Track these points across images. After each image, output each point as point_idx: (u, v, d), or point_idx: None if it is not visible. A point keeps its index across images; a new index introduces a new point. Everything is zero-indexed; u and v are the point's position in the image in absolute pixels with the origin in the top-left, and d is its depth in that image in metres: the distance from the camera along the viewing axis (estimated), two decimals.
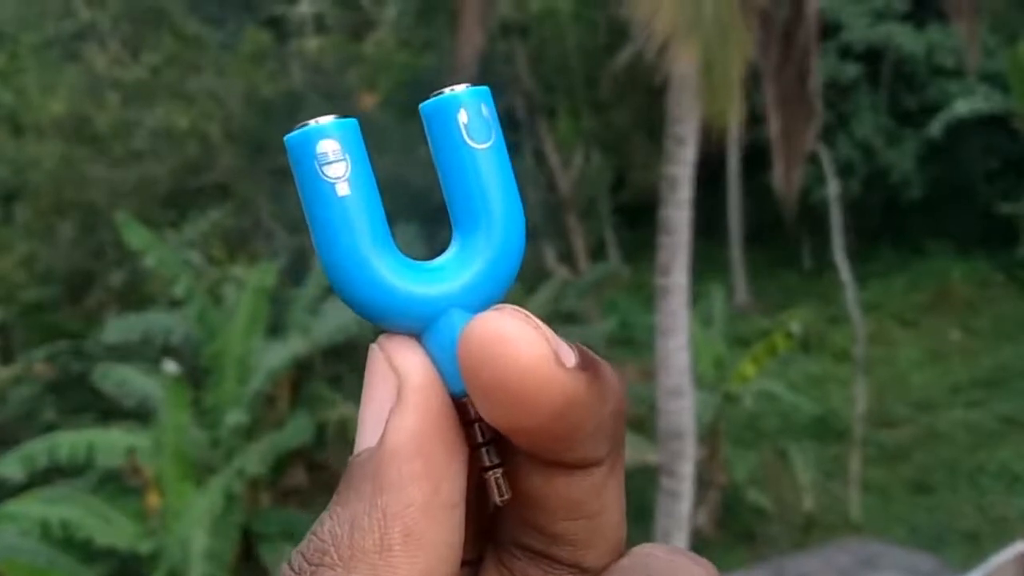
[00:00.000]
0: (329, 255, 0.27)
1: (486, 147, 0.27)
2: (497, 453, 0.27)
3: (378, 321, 0.27)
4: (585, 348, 0.26)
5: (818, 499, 9.46)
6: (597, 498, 0.27)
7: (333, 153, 0.26)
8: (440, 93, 0.27)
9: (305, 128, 0.27)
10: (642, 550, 0.28)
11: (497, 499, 0.27)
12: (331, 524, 0.26)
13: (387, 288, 0.27)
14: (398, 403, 0.26)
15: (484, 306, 0.27)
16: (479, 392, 0.25)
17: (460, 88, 0.27)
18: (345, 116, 0.27)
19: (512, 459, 0.27)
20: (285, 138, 0.27)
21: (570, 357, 0.25)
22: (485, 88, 0.28)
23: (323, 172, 0.26)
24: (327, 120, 0.27)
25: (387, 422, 0.26)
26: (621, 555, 0.28)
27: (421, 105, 0.28)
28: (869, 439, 10.16)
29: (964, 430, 10.57)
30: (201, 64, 11.09)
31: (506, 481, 0.27)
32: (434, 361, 0.27)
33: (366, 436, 0.26)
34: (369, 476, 0.25)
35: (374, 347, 0.28)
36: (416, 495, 0.25)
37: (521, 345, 0.24)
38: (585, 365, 0.25)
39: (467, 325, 0.25)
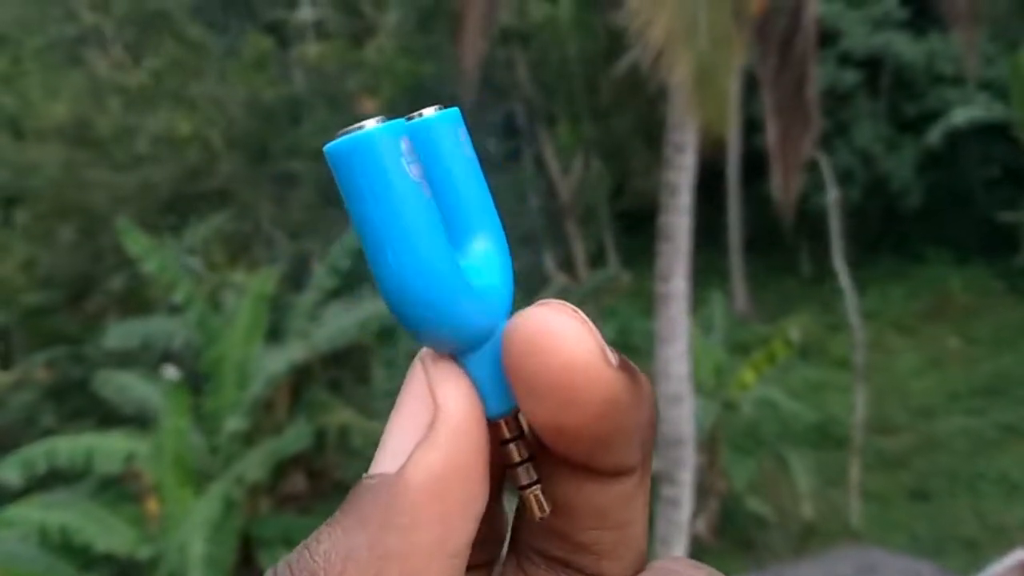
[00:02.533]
0: (410, 261, 0.25)
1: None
2: (536, 469, 0.27)
3: (442, 332, 0.26)
4: (621, 352, 0.25)
5: (817, 506, 9.46)
6: (625, 508, 0.27)
7: (410, 153, 0.25)
8: (414, 117, 0.27)
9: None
10: (664, 564, 0.28)
11: (537, 516, 0.27)
12: (327, 546, 0.24)
13: (468, 297, 0.26)
14: (429, 436, 0.25)
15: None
16: (525, 386, 0.24)
17: (434, 111, 0.28)
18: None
19: (542, 467, 0.27)
20: (369, 132, 0.25)
21: (614, 357, 0.25)
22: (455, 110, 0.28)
23: (410, 171, 0.25)
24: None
25: (412, 454, 0.24)
26: (642, 568, 0.28)
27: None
28: (868, 446, 10.16)
29: (963, 438, 10.57)
30: (203, 69, 11.10)
31: (546, 497, 0.27)
32: (476, 380, 0.26)
33: (385, 460, 0.25)
34: (379, 508, 0.24)
35: (417, 364, 0.26)
36: (423, 541, 0.24)
37: (571, 340, 0.24)
38: (624, 366, 0.25)
39: (516, 319, 0.24)
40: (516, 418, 0.27)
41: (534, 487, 0.27)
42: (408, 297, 0.25)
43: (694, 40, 5.67)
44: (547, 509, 0.27)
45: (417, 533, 0.24)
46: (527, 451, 0.27)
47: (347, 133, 0.25)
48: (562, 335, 0.24)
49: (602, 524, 0.27)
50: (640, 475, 0.27)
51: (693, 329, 7.68)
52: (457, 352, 0.26)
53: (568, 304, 0.25)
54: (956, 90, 12.92)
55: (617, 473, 0.26)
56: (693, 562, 0.28)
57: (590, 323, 0.24)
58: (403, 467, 0.24)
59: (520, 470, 0.27)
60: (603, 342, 0.24)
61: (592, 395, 0.24)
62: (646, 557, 0.28)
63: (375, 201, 0.25)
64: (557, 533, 0.27)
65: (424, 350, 0.26)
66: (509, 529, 0.29)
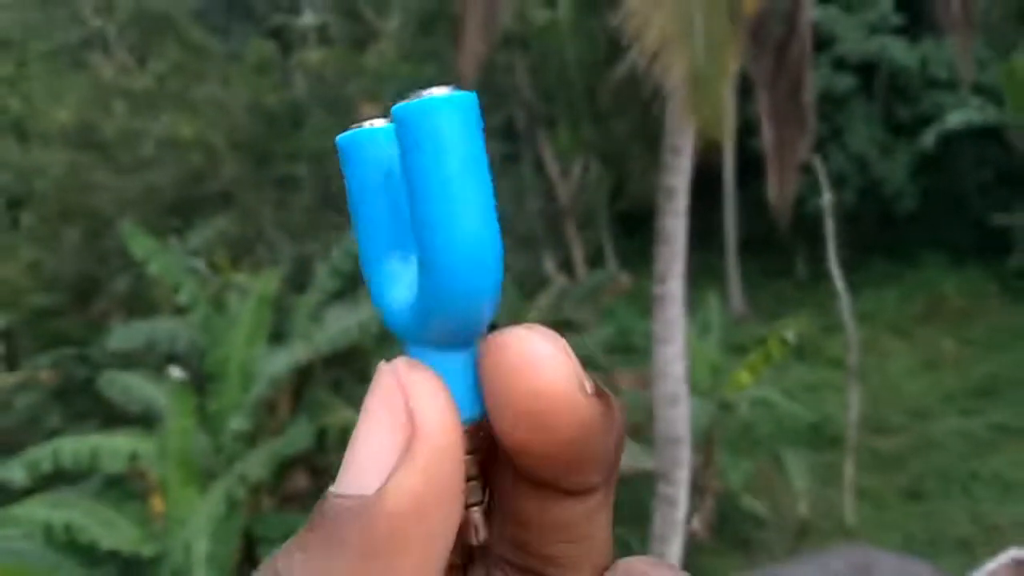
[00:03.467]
0: (363, 259, 0.26)
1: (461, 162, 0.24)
2: (482, 489, 0.27)
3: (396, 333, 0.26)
4: (596, 378, 0.26)
5: (812, 506, 9.50)
6: (589, 523, 0.27)
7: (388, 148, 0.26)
8: (419, 95, 0.24)
9: (470, 93, 0.24)
10: (625, 563, 0.28)
11: (474, 540, 0.27)
12: (301, 570, 0.23)
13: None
14: (408, 456, 0.23)
15: (451, 334, 0.25)
16: (500, 407, 0.24)
17: (443, 92, 0.24)
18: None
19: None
20: (463, 95, 0.24)
21: (589, 384, 0.25)
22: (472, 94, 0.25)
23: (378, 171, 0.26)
24: (429, 93, 0.24)
25: (392, 475, 0.23)
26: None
27: (397, 107, 0.24)
28: (863, 447, 10.20)
29: (957, 438, 10.61)
30: (206, 73, 11.13)
31: (485, 521, 0.27)
32: (448, 383, 0.25)
33: (361, 477, 0.24)
34: (359, 533, 0.23)
35: (387, 371, 0.25)
36: (407, 566, 0.23)
37: (549, 367, 0.24)
38: (599, 392, 0.25)
39: (497, 341, 0.24)
40: (476, 432, 0.26)
41: (476, 507, 0.26)
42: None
43: (690, 42, 5.72)
44: (483, 535, 0.27)
45: (400, 559, 0.23)
46: (477, 468, 0.26)
47: (359, 126, 0.26)
48: (541, 361, 0.24)
49: (567, 538, 0.27)
50: (604, 492, 0.27)
51: (690, 330, 7.73)
52: (436, 350, 0.25)
53: (551, 331, 0.25)
54: (950, 94, 12.99)
55: (583, 492, 0.26)
56: (651, 560, 0.28)
57: (569, 350, 0.25)
58: (383, 489, 0.23)
59: (468, 486, 0.26)
60: (580, 370, 0.25)
61: (565, 422, 0.24)
62: (609, 563, 0.28)
63: (348, 194, 0.27)
64: (524, 546, 0.27)
65: (400, 357, 0.25)
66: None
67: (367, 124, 0.26)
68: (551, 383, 0.24)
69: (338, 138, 0.26)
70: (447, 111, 0.24)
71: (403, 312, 0.26)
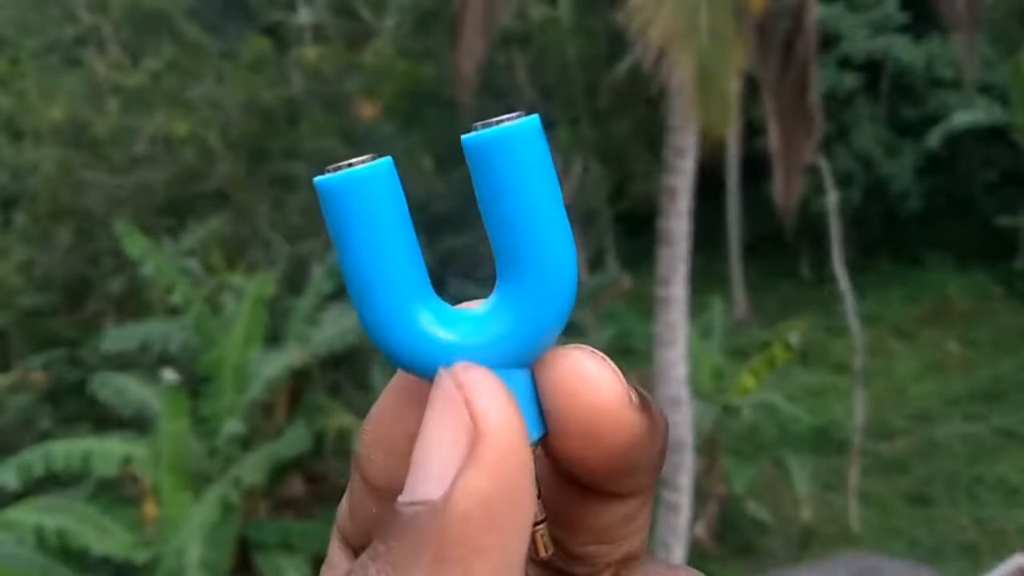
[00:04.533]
0: (364, 305, 0.26)
1: (545, 185, 0.25)
2: (543, 508, 0.27)
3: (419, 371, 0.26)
4: (641, 388, 0.27)
5: (817, 511, 9.45)
6: (627, 526, 0.28)
7: (393, 192, 0.26)
8: (491, 124, 0.25)
9: (377, 163, 0.25)
10: (643, 570, 0.29)
11: (541, 555, 0.27)
12: None
13: (419, 348, 0.26)
14: (473, 458, 0.23)
15: (528, 355, 0.26)
16: (563, 426, 0.25)
17: (512, 120, 0.25)
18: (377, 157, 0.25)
19: (549, 480, 0.27)
20: (535, 120, 0.24)
21: (635, 397, 0.26)
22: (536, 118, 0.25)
23: (384, 213, 0.26)
24: (498, 123, 0.25)
25: (456, 479, 0.23)
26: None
27: (468, 137, 0.25)
28: (868, 451, 10.16)
29: (962, 442, 10.57)
30: (201, 71, 11.09)
31: (549, 537, 0.27)
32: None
33: (427, 482, 0.23)
34: (431, 541, 0.23)
35: (446, 377, 0.25)
36: (482, 570, 0.23)
37: (600, 385, 0.25)
38: (644, 406, 0.26)
39: (557, 362, 0.25)
40: (534, 451, 0.26)
41: (540, 525, 0.27)
42: (369, 333, 0.26)
43: (695, 39, 5.67)
44: (550, 550, 0.27)
45: (475, 562, 0.23)
46: (537, 488, 0.26)
47: (338, 169, 0.25)
48: (596, 381, 0.25)
49: (603, 539, 0.28)
50: (645, 497, 0.28)
51: (692, 333, 7.68)
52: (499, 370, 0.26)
53: (597, 351, 0.26)
54: (956, 94, 12.95)
55: (629, 495, 0.28)
56: (672, 565, 0.29)
57: (616, 368, 0.26)
58: (448, 493, 0.23)
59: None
60: (628, 386, 0.26)
61: (616, 436, 0.26)
62: (640, 560, 0.29)
63: (339, 240, 0.25)
64: (558, 544, 0.28)
65: (459, 362, 0.25)
66: None
67: (349, 165, 0.25)
68: (606, 400, 0.25)
69: (327, 181, 0.25)
70: (531, 136, 0.24)
71: (457, 343, 0.26)
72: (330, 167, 0.25)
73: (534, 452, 0.26)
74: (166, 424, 7.11)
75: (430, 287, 0.26)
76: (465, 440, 0.23)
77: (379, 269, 0.25)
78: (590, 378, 0.25)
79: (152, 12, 11.55)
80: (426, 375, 0.25)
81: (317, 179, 0.25)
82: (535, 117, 0.25)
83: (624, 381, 0.26)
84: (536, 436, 0.26)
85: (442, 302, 0.26)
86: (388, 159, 0.25)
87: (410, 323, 0.25)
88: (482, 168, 0.25)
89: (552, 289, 0.25)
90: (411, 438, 0.26)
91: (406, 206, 0.25)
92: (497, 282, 0.26)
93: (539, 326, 0.26)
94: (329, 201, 0.25)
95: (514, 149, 0.24)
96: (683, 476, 6.57)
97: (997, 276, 13.26)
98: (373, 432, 0.28)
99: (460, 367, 0.25)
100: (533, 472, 0.24)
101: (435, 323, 0.26)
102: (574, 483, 0.27)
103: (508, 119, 0.24)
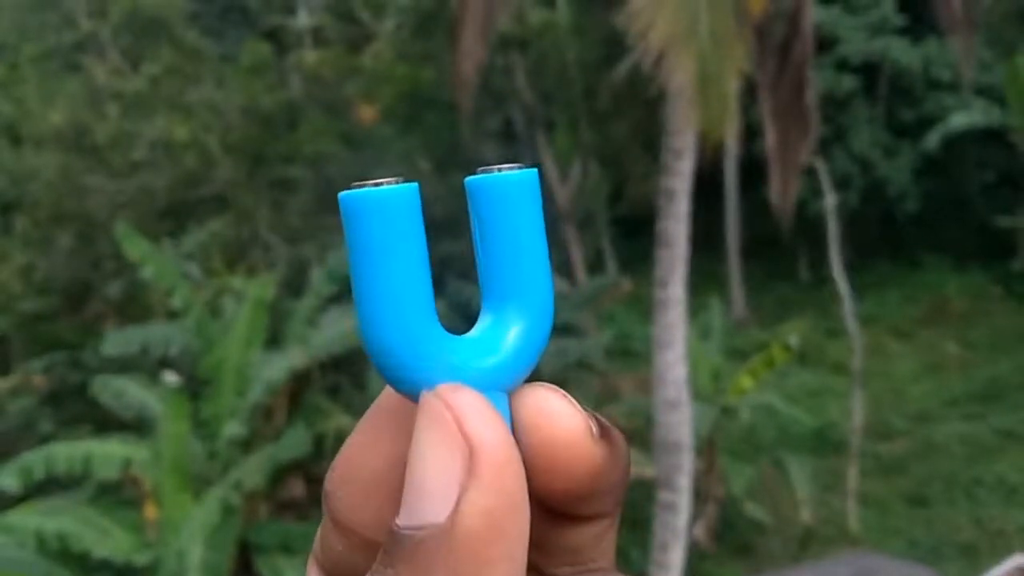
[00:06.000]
0: (369, 324, 0.27)
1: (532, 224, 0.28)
2: None
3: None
4: (602, 418, 0.28)
5: (816, 512, 9.45)
6: (596, 546, 0.30)
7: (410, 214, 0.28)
8: (492, 170, 0.28)
9: (533, 170, 0.28)
10: None
11: None
12: None
13: (417, 371, 0.27)
14: (472, 477, 0.24)
15: (512, 380, 0.27)
16: (530, 458, 0.26)
17: (512, 169, 0.28)
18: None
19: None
20: (533, 173, 0.28)
21: (596, 428, 0.27)
22: (535, 171, 0.28)
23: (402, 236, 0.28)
24: (498, 169, 0.28)
25: (460, 499, 0.24)
26: None
27: (472, 179, 0.28)
28: (866, 452, 10.16)
29: (961, 443, 10.57)
30: (201, 75, 11.11)
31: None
32: None
33: (429, 505, 0.24)
34: (441, 563, 0.24)
35: (432, 400, 0.25)
36: None
37: (563, 420, 0.27)
38: (604, 435, 0.28)
39: (522, 398, 0.27)
40: None
41: None
42: (370, 350, 0.27)
43: (695, 42, 5.68)
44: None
45: None
46: None
47: (363, 186, 0.26)
48: (554, 415, 0.27)
49: (575, 560, 0.29)
50: (611, 518, 0.30)
51: (691, 334, 7.68)
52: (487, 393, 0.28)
53: (558, 388, 0.28)
54: (953, 96, 12.97)
55: (593, 518, 0.29)
56: None
57: (577, 405, 0.27)
58: (454, 514, 0.24)
59: None
60: (589, 420, 0.27)
61: (578, 466, 0.27)
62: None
63: (355, 254, 0.26)
64: (533, 566, 0.29)
65: (442, 384, 0.26)
66: None
67: (376, 184, 0.26)
68: (567, 433, 0.27)
69: (352, 196, 0.26)
70: (527, 186, 0.27)
71: (453, 365, 0.27)
72: (356, 183, 0.26)
73: None
74: (167, 427, 7.12)
75: (434, 312, 0.27)
76: (461, 460, 0.24)
77: (388, 288, 0.26)
78: (551, 413, 0.27)
79: (151, 17, 11.57)
80: (415, 396, 0.26)
81: (342, 193, 0.26)
82: (533, 171, 0.28)
83: (585, 416, 0.27)
84: None
85: (442, 328, 0.27)
86: (414, 185, 0.26)
87: (411, 344, 0.26)
88: (480, 209, 0.27)
89: (535, 323, 0.28)
90: (379, 474, 0.28)
91: (423, 231, 0.27)
92: (483, 311, 0.28)
93: (524, 354, 0.28)
94: (351, 216, 0.26)
95: (512, 196, 0.27)
96: (682, 477, 6.58)
97: (995, 277, 13.27)
98: (342, 469, 0.29)
99: (446, 388, 0.25)
100: (526, 482, 0.25)
101: (434, 346, 0.27)
102: (545, 509, 0.28)
103: (510, 168, 0.27)
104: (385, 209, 0.26)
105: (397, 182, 0.26)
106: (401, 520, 0.24)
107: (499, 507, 0.24)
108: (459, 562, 0.24)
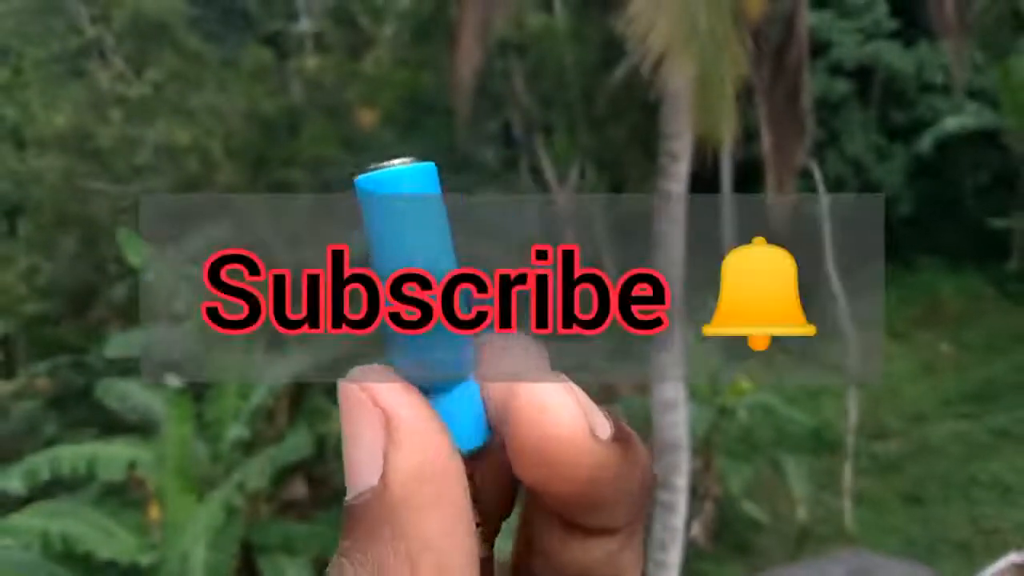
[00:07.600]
0: None
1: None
2: (479, 513, 0.28)
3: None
4: (621, 420, 0.27)
5: (812, 511, 9.49)
6: (610, 565, 0.28)
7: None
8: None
9: (429, 164, 0.27)
10: None
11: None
12: (353, 572, 0.25)
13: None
14: (391, 442, 0.26)
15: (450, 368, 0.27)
16: (516, 455, 0.26)
17: (408, 162, 0.27)
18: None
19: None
20: (423, 167, 0.27)
21: (605, 429, 0.26)
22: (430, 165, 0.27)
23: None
24: (390, 165, 0.27)
25: (385, 461, 0.26)
26: None
27: (361, 178, 0.26)
28: (862, 451, 10.20)
29: (956, 442, 10.61)
30: (202, 81, 11.15)
31: (534, 546, 0.28)
32: (447, 414, 0.27)
33: (363, 476, 0.26)
34: (383, 517, 0.25)
35: (348, 385, 0.27)
36: (434, 526, 0.25)
37: (562, 417, 0.26)
38: (618, 437, 0.27)
39: (510, 389, 0.27)
40: (472, 480, 0.27)
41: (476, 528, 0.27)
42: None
43: (695, 45, 5.72)
44: (484, 553, 0.28)
45: (424, 523, 0.25)
46: (478, 517, 0.27)
47: (379, 168, 0.26)
48: (552, 411, 0.26)
49: (586, 575, 0.28)
50: (627, 534, 0.28)
51: (688, 335, 7.72)
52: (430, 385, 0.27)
53: (563, 379, 0.27)
54: (946, 99, 13.03)
55: (602, 532, 0.27)
56: None
57: (581, 399, 0.26)
58: (384, 475, 0.26)
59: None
60: (595, 416, 0.26)
61: (577, 468, 0.26)
62: None
63: (374, 236, 0.27)
64: None
65: (356, 367, 0.27)
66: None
67: (389, 165, 0.26)
68: (564, 431, 0.26)
69: (369, 177, 0.26)
70: (410, 182, 0.26)
71: None
72: (372, 166, 0.26)
73: (479, 460, 0.28)
74: (170, 429, 7.15)
75: None
76: (381, 430, 0.26)
77: (412, 266, 0.26)
78: (550, 409, 0.26)
79: (154, 23, 11.60)
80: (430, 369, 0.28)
81: (360, 177, 0.26)
82: (430, 164, 0.26)
83: (588, 411, 0.26)
84: (475, 444, 0.28)
85: None
86: (431, 164, 0.26)
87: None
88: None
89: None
90: None
91: (444, 208, 0.26)
92: None
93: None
94: (372, 198, 0.26)
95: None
96: (679, 477, 6.62)
97: (989, 278, 13.31)
98: None
99: (358, 372, 0.27)
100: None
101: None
102: (556, 520, 0.27)
103: (402, 162, 0.26)
104: (407, 186, 0.26)
105: (412, 162, 0.26)
106: (348, 497, 0.26)
107: (425, 461, 0.26)
108: (398, 513, 0.25)
